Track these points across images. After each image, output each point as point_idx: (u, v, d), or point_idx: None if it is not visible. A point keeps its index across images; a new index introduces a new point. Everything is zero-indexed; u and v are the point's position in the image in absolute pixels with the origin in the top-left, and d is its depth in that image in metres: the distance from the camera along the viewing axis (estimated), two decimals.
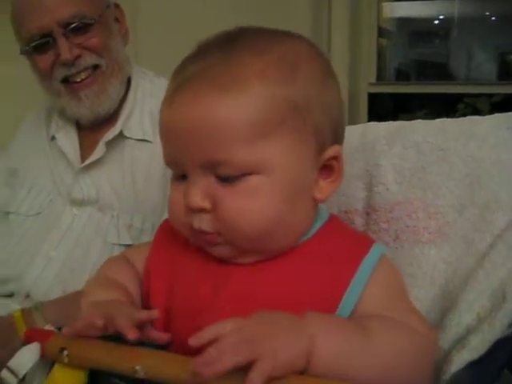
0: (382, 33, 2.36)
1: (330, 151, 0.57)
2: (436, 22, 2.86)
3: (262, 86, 0.53)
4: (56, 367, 0.54)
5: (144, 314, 0.55)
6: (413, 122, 0.71)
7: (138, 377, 0.50)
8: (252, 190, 0.54)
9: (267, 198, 0.54)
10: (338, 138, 0.60)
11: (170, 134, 0.56)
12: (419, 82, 2.48)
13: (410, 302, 0.59)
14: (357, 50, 1.99)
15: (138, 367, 0.50)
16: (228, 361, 0.44)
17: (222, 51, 0.55)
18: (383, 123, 0.73)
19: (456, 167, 0.65)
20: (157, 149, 1.08)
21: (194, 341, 0.47)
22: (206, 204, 0.54)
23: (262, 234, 0.55)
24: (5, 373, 0.55)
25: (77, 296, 0.73)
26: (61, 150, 1.17)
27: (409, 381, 0.50)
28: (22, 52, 1.12)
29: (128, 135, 1.12)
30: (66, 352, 0.53)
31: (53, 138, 1.20)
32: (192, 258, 0.61)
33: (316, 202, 0.59)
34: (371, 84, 2.09)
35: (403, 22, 2.84)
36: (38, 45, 1.07)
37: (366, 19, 2.02)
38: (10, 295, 1.09)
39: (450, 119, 0.69)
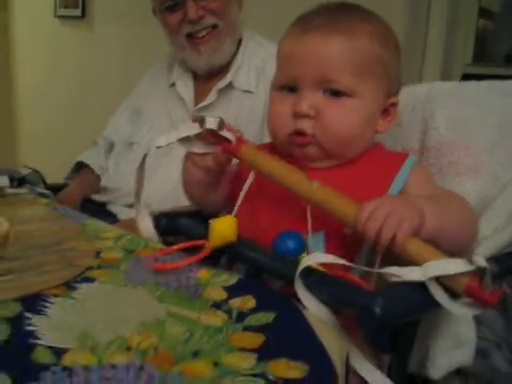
0: (485, 14, 2.36)
1: (393, 99, 0.79)
2: None
3: (368, 41, 0.75)
4: (213, 220, 0.68)
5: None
6: (468, 82, 0.88)
7: (311, 189, 0.65)
8: (347, 106, 0.74)
9: (356, 115, 0.75)
10: (397, 92, 0.81)
11: (296, 58, 0.76)
12: None
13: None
14: (455, 30, 2.03)
15: (314, 181, 0.66)
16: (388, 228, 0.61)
17: (340, 13, 0.78)
18: (447, 82, 0.91)
19: (490, 117, 0.83)
20: (257, 99, 1.31)
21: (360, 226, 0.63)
22: (312, 112, 0.74)
23: (348, 139, 0.75)
24: (210, 118, 0.72)
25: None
26: (179, 95, 1.39)
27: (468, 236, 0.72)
28: (156, 11, 1.36)
29: (236, 85, 1.33)
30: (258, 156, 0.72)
31: (173, 84, 1.42)
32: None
33: (375, 133, 0.80)
34: (467, 65, 2.13)
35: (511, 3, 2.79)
36: (170, 5, 1.30)
37: None
38: (132, 206, 1.34)
39: (497, 81, 0.86)
